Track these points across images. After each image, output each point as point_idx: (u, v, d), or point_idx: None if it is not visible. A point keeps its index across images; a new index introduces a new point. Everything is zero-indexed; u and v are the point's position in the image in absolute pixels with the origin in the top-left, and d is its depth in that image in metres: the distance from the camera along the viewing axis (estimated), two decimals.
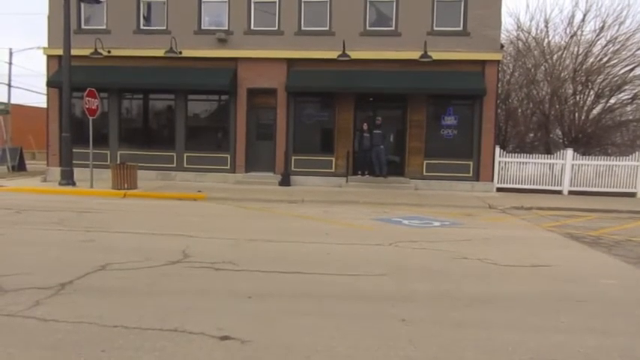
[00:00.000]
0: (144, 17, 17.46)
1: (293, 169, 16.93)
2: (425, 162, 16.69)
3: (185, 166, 17.32)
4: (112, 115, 17.57)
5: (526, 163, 16.98)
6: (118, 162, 15.66)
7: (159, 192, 14.00)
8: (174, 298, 4.89)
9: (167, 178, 17.18)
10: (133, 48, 16.85)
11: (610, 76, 22.17)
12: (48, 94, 17.79)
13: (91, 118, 14.51)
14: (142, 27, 17.30)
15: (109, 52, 16.75)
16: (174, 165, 17.35)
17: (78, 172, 15.03)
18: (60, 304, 4.64)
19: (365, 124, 16.45)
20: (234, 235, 8.27)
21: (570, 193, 16.48)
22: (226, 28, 16.89)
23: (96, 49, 16.35)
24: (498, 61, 16.78)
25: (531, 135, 25.16)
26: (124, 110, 18.06)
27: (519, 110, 24.45)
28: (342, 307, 4.82)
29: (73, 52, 15.00)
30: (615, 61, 21.97)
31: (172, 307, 4.62)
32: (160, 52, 16.45)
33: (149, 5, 17.52)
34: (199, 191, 14.16)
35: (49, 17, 17.16)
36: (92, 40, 16.40)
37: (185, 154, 17.33)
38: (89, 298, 4.85)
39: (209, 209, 11.66)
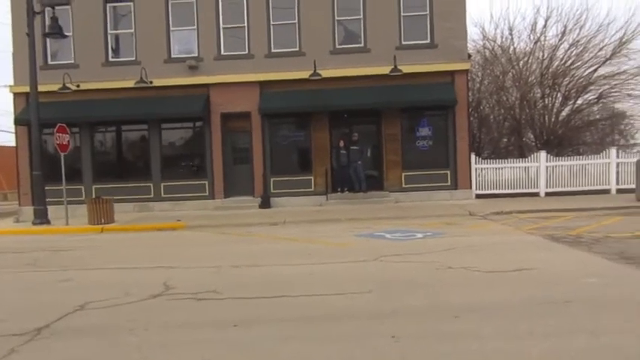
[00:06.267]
0: (112, 49, 17.36)
1: (272, 190, 16.84)
2: (403, 174, 16.78)
3: (163, 195, 17.08)
4: (84, 149, 17.30)
5: (502, 168, 17.22)
6: (94, 196, 15.36)
7: (137, 224, 13.75)
8: (158, 333, 4.74)
9: (145, 209, 16.90)
10: (103, 80, 16.71)
11: (575, 78, 22.83)
12: (16, 133, 17.45)
13: (62, 154, 14.23)
14: (110, 59, 17.19)
15: (78, 86, 16.55)
16: (152, 195, 17.10)
17: (52, 210, 14.67)
18: (36, 350, 4.45)
19: (341, 140, 16.51)
20: (216, 262, 8.11)
21: (547, 194, 16.73)
22: (196, 55, 16.89)
23: (64, 84, 16.13)
24: (467, 71, 17.09)
25: (505, 140, 25.64)
26: (97, 143, 17.80)
27: (491, 117, 24.93)
28: (331, 327, 4.73)
29: (41, 88, 14.77)
30: (579, 63, 22.67)
31: (156, 343, 4.47)
32: (131, 83, 16.33)
33: (117, 37, 17.44)
34: (178, 220, 13.95)
35: (14, 54, 16.92)
36: (60, 75, 16.18)
37: (162, 184, 17.11)
38: (68, 340, 4.67)
39: (189, 238, 11.47)
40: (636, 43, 22.96)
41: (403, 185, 16.75)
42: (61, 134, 14.23)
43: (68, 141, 14.54)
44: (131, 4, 16.97)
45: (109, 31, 17.14)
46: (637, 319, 4.69)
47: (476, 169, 16.87)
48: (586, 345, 4.08)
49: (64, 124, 14.44)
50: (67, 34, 15.74)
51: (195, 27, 16.89)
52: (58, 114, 15.79)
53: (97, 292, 6.37)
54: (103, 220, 13.81)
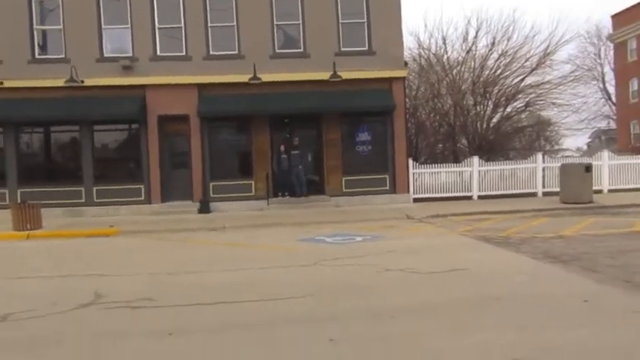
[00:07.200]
0: (39, 46, 16.41)
1: (212, 195, 16.52)
2: (343, 179, 16.96)
3: (95, 200, 16.31)
4: (8, 151, 16.21)
5: (438, 172, 17.83)
6: (19, 201, 14.42)
7: (66, 230, 13.05)
8: (89, 345, 4.51)
9: (76, 214, 16.03)
10: (29, 79, 15.70)
11: (504, 87, 24.10)
12: None
13: None
14: (37, 56, 16.24)
15: (1, 83, 15.52)
16: (83, 200, 16.28)
17: None
18: None
19: (282, 145, 16.46)
20: (151, 269, 7.85)
21: (480, 197, 17.45)
22: (131, 54, 16.27)
23: None
24: (404, 78, 17.56)
25: (440, 145, 26.62)
26: (24, 145, 16.76)
27: (428, 123, 25.80)
28: (269, 333, 4.69)
29: None
30: (508, 72, 23.97)
31: (86, 356, 4.25)
32: (60, 82, 15.44)
33: (44, 33, 16.52)
34: (111, 226, 13.36)
35: None
36: None
37: (94, 188, 16.33)
38: None
39: (123, 244, 11.02)
40: (559, 55, 24.65)
41: (344, 190, 16.93)
42: None
43: None
44: None
45: (34, 27, 16.20)
46: (558, 314, 4.98)
47: (413, 174, 17.35)
48: (516, 338, 4.28)
49: None
50: None
51: (128, 26, 16.27)
52: None
53: (21, 302, 5.97)
54: (29, 226, 12.97)
